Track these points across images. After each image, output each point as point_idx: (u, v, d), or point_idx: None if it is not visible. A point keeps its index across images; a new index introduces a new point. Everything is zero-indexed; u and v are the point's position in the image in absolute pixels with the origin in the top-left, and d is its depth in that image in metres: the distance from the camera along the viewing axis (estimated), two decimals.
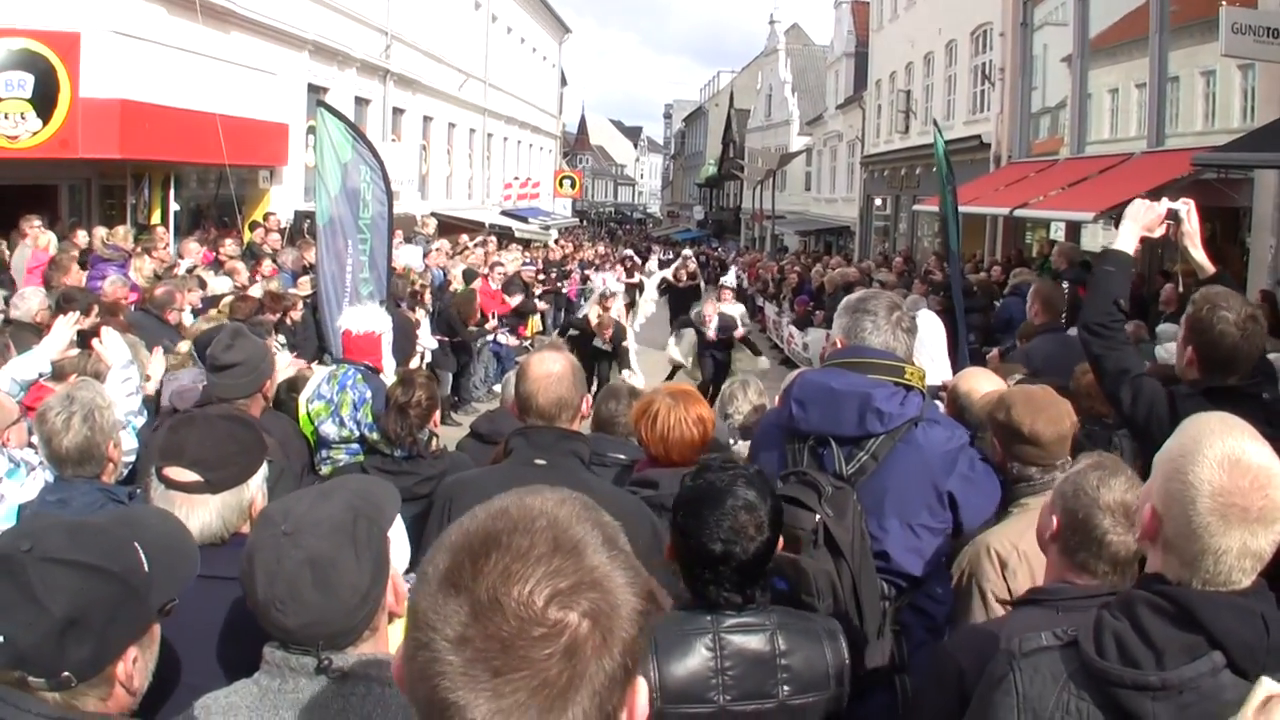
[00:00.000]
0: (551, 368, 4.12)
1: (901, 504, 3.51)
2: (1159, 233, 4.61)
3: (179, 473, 2.96)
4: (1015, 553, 3.60)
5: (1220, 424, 2.29)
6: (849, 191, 46.08)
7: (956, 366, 8.13)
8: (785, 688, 2.91)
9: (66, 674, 2.00)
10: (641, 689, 1.39)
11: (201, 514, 2.93)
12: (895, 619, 3.52)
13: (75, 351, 6.03)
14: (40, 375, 5.63)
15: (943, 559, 3.63)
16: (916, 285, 17.85)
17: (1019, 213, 20.14)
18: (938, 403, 5.68)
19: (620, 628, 1.30)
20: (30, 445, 4.90)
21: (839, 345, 3.85)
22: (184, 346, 7.75)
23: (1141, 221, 4.56)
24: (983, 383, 5.10)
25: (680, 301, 23.88)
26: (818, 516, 3.30)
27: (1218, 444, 2.20)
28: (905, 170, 34.23)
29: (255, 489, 3.06)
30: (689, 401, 4.41)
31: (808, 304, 24.32)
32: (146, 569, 2.18)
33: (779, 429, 3.75)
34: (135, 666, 2.13)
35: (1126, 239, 4.57)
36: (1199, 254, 4.63)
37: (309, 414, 6.11)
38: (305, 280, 13.64)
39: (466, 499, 4.12)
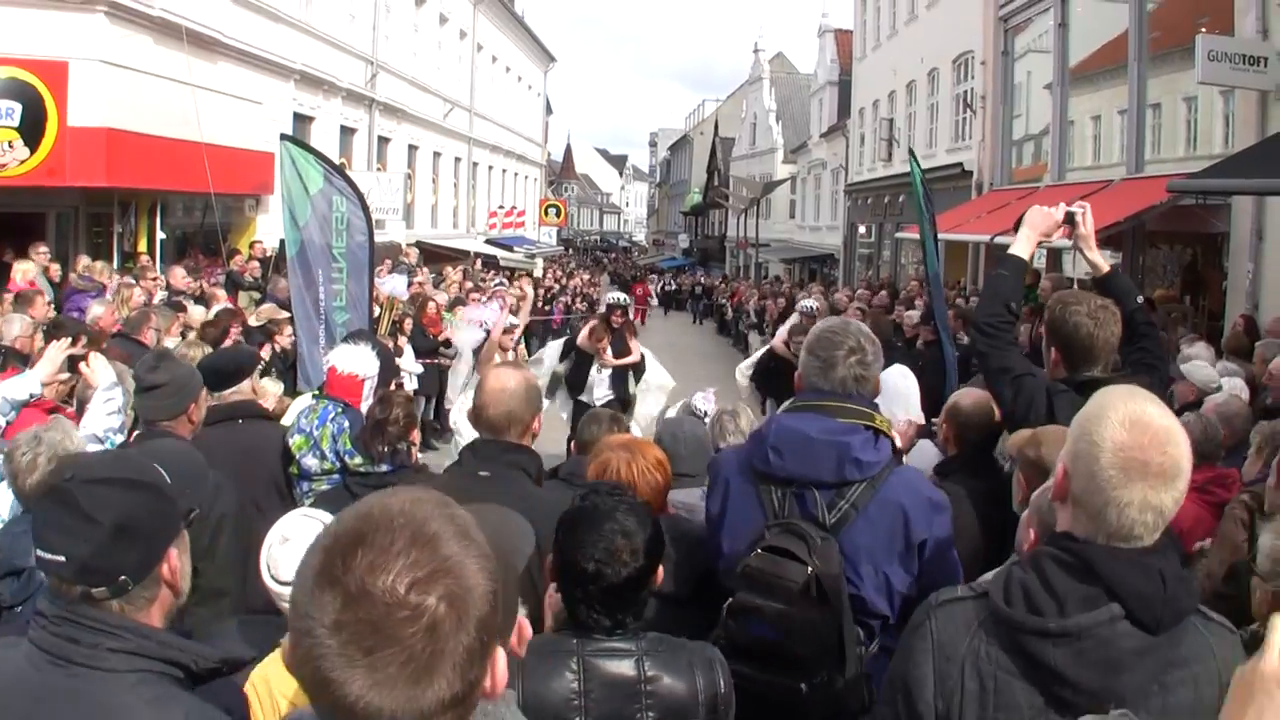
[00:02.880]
0: (506, 383, 4.33)
1: (875, 554, 3.51)
2: (1056, 236, 4.78)
3: None
4: None
5: (1126, 391, 2.47)
6: (833, 219, 46.27)
7: (946, 395, 8.13)
8: (650, 714, 2.90)
9: (124, 577, 2.26)
10: (500, 659, 1.58)
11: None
12: (866, 662, 3.51)
13: (66, 375, 6.11)
14: (31, 396, 5.70)
15: (911, 599, 3.61)
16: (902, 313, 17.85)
17: (1000, 239, 20.16)
18: (928, 442, 5.77)
19: (474, 607, 1.47)
20: None
21: (798, 383, 3.83)
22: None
23: (1039, 228, 4.70)
24: (980, 399, 5.12)
25: (778, 385, 12.76)
26: (809, 569, 3.30)
27: (1122, 406, 2.37)
28: (889, 198, 34.44)
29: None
30: (643, 449, 4.34)
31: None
32: (170, 482, 2.44)
33: (750, 470, 3.69)
34: (177, 564, 2.40)
35: (1022, 245, 4.71)
36: (1094, 254, 4.78)
37: (289, 446, 6.15)
38: (266, 308, 13.58)
39: None
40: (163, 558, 2.35)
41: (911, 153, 16.71)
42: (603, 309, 14.22)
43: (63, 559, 2.23)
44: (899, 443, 5.47)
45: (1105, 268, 4.85)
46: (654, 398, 12.96)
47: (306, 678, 1.44)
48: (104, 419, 5.34)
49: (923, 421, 6.59)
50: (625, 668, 2.92)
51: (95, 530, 2.24)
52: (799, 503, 3.56)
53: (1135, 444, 2.31)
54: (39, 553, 2.26)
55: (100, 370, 5.58)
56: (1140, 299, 4.88)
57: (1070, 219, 4.68)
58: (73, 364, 6.14)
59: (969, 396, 5.25)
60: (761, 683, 3.20)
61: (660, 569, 3.09)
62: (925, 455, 5.68)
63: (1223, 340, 13.04)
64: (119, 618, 2.24)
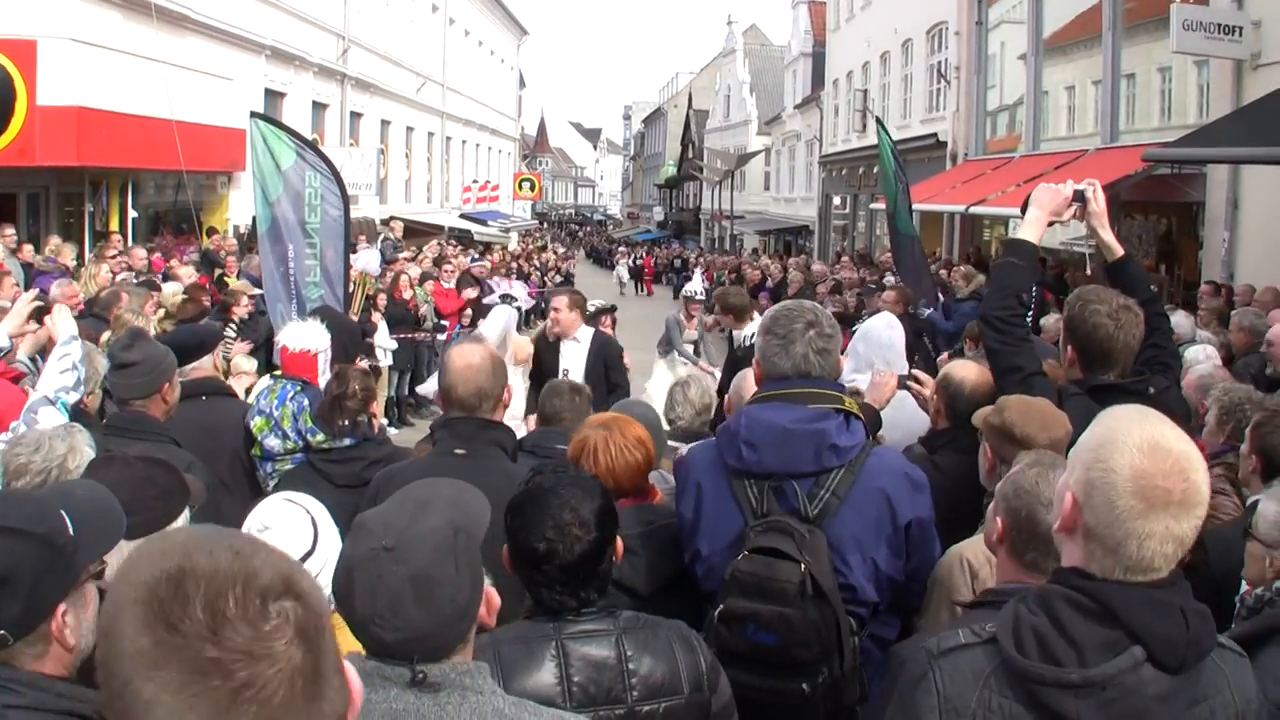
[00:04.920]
0: (471, 359, 4.28)
1: (862, 540, 3.46)
2: (1066, 216, 4.58)
3: None
4: (989, 565, 3.48)
5: (1138, 413, 2.30)
6: (807, 191, 46.31)
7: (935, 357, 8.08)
8: (634, 693, 2.87)
9: (2, 632, 2.15)
10: None
11: (114, 561, 2.72)
12: (859, 650, 3.45)
13: (34, 327, 6.08)
14: (1, 351, 5.67)
15: (898, 584, 3.58)
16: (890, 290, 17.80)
17: (974, 210, 20.31)
18: (907, 394, 5.74)
19: None
20: None
21: (757, 371, 3.74)
22: (106, 335, 7.81)
23: (1048, 208, 4.51)
24: (973, 372, 4.95)
25: None
26: (802, 566, 3.24)
27: (1136, 431, 2.19)
28: (863, 169, 34.38)
29: None
30: (622, 426, 4.10)
31: (770, 303, 23.23)
32: (72, 532, 2.31)
33: (723, 467, 3.60)
34: (67, 622, 2.26)
35: (1031, 227, 4.52)
36: (1107, 235, 4.58)
37: (251, 428, 6.13)
38: (239, 284, 13.56)
39: (393, 489, 4.16)
40: (49, 615, 2.23)
41: (879, 120, 16.61)
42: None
43: None
44: (884, 394, 5.44)
45: (1120, 251, 4.61)
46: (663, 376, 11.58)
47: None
48: (56, 378, 5.22)
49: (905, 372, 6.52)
50: (605, 649, 2.88)
51: None
52: (778, 496, 3.48)
53: (1156, 471, 2.13)
54: None
55: (62, 323, 5.51)
56: (1153, 288, 4.67)
57: (1080, 197, 4.48)
58: (39, 318, 6.11)
59: (961, 369, 5.17)
60: (764, 689, 3.13)
61: (619, 541, 3.04)
62: (906, 409, 5.64)
63: (1199, 308, 13.11)
64: (9, 671, 2.16)
